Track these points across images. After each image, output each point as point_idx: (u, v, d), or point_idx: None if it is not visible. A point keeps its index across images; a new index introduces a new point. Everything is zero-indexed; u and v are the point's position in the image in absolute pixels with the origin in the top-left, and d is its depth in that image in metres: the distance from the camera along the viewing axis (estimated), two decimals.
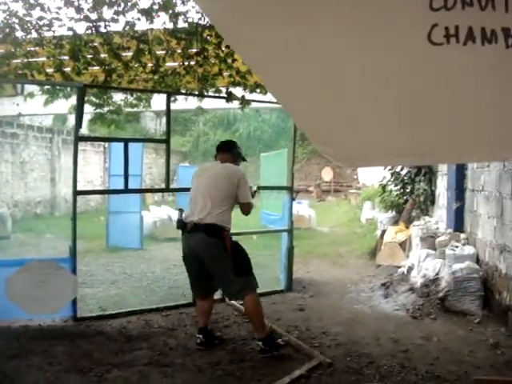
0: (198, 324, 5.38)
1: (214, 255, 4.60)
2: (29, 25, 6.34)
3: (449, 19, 1.88)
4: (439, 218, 8.85)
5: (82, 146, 16.86)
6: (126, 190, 5.80)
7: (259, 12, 1.92)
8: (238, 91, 7.28)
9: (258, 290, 4.96)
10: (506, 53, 1.90)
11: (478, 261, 6.40)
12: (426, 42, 1.90)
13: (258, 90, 7.14)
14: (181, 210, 4.90)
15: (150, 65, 6.98)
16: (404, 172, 10.33)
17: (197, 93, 7.47)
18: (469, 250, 6.57)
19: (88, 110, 8.02)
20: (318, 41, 1.95)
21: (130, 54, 6.74)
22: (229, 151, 4.94)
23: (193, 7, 6.34)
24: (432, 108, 2.04)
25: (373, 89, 2.02)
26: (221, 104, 7.92)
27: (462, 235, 7.17)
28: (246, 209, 4.83)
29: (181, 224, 4.77)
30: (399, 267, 7.80)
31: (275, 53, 1.97)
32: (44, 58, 6.90)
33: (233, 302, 5.69)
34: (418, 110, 2.05)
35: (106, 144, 16.80)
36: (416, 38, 1.91)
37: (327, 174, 26.35)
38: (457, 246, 6.69)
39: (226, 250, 4.58)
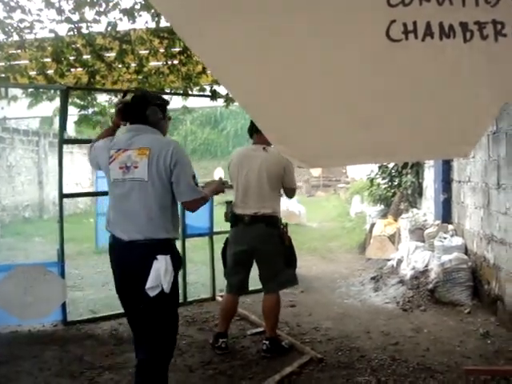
0: (189, 324, 5.39)
1: (271, 247, 4.53)
2: (10, 27, 6.29)
3: (407, 15, 1.88)
4: (427, 209, 8.89)
5: (68, 148, 16.83)
6: None
7: (216, 10, 1.90)
8: (222, 89, 7.26)
9: (250, 288, 4.96)
10: (465, 47, 1.90)
11: (466, 251, 6.44)
12: (385, 38, 1.89)
13: None
14: (229, 203, 4.74)
15: (133, 65, 6.94)
16: (391, 165, 10.37)
17: (181, 92, 7.45)
18: (457, 240, 6.61)
19: (73, 111, 7.98)
20: (278, 39, 1.94)
21: (112, 54, 6.70)
22: None
23: None
24: (393, 106, 2.04)
25: (333, 87, 2.02)
26: (207, 102, 7.90)
27: (450, 226, 7.21)
28: (292, 193, 4.86)
29: (232, 217, 4.65)
30: (389, 260, 7.83)
31: (233, 51, 1.95)
32: (26, 61, 6.85)
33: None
34: (379, 108, 2.04)
35: None
36: (375, 35, 1.91)
37: (316, 169, 26.35)
38: (445, 238, 6.73)
39: (283, 241, 4.56)
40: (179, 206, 3.49)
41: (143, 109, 3.29)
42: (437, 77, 1.98)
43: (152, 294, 3.07)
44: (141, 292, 3.08)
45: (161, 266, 3.07)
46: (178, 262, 3.31)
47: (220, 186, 3.86)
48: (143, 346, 3.23)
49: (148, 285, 3.06)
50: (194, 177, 3.24)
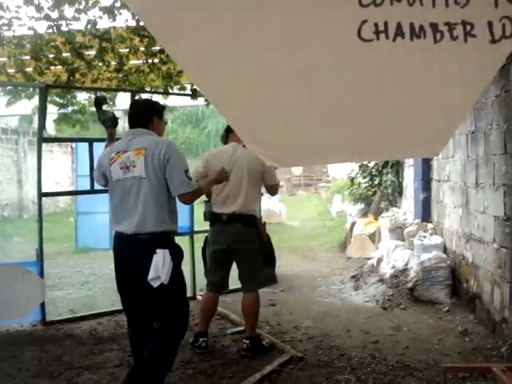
0: None
1: (249, 246, 4.52)
2: None
3: (378, 15, 1.90)
4: (407, 208, 8.95)
5: (48, 146, 16.66)
6: (92, 191, 5.71)
7: (190, 11, 1.91)
8: None
9: (230, 287, 4.95)
10: (435, 48, 1.92)
11: (445, 250, 6.50)
12: (357, 38, 1.91)
13: None
14: (207, 202, 4.71)
15: (113, 63, 6.91)
16: (371, 164, 10.42)
17: (162, 91, 7.42)
18: (436, 239, 6.67)
19: (52, 110, 7.91)
20: (252, 40, 1.95)
21: (92, 52, 6.66)
22: None
23: None
24: (365, 105, 2.06)
25: (306, 87, 2.03)
26: (188, 101, 7.86)
27: (430, 225, 7.27)
28: (275, 190, 4.86)
29: (211, 216, 4.66)
30: (369, 259, 7.88)
31: (206, 51, 1.96)
32: (5, 59, 6.77)
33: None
34: (352, 108, 2.06)
35: (74, 144, 16.57)
36: (346, 35, 1.92)
37: (297, 168, 26.39)
38: (424, 236, 6.78)
39: (261, 239, 4.58)
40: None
41: (140, 115, 3.65)
42: (408, 77, 2.00)
43: (155, 284, 3.32)
44: (143, 283, 3.35)
45: (159, 259, 3.33)
46: (179, 255, 3.57)
47: (221, 176, 4.18)
48: (150, 337, 3.49)
49: (149, 276, 3.32)
50: (187, 171, 3.48)
